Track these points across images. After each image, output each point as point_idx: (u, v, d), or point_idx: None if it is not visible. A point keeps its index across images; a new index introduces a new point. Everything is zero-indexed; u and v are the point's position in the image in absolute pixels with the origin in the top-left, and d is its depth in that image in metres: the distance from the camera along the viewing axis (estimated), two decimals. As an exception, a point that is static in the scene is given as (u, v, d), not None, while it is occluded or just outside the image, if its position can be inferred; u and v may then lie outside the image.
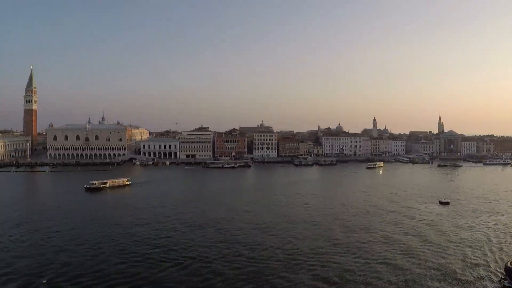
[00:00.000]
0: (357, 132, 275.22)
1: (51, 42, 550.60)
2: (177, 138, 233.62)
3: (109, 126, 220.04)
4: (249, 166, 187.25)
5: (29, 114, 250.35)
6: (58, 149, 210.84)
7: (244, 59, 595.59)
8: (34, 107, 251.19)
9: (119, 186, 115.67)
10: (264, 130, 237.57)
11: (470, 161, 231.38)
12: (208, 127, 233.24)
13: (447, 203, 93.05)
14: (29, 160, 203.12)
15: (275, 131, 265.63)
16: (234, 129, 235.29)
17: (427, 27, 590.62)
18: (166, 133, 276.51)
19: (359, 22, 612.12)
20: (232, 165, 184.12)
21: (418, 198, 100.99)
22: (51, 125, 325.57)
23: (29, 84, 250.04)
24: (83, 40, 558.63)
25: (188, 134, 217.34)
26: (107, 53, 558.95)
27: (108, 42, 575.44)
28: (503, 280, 45.36)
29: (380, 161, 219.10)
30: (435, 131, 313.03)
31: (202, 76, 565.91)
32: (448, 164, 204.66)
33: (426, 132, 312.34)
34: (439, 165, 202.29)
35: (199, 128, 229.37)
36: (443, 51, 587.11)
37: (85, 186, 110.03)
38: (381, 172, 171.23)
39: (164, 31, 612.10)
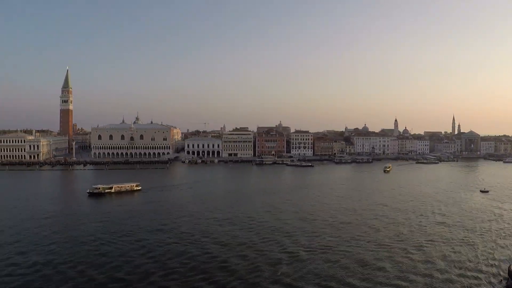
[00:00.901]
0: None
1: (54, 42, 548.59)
2: (211, 136, 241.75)
3: (154, 126, 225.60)
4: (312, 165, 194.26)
5: (65, 114, 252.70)
6: (102, 148, 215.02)
7: (253, 59, 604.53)
8: (70, 107, 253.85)
9: (127, 192, 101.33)
10: (299, 130, 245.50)
11: (490, 159, 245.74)
12: (247, 127, 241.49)
13: (487, 192, 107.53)
14: (74, 159, 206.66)
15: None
16: (271, 129, 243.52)
17: (429, 26, 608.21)
18: (197, 133, 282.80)
19: (358, 23, 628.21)
20: (302, 164, 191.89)
21: (461, 188, 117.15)
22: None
23: (65, 85, 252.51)
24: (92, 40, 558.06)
25: (230, 134, 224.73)
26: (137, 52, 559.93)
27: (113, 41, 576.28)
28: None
29: (410, 159, 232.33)
30: (449, 130, 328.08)
31: (211, 77, 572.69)
32: (425, 161, 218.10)
33: (441, 132, 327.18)
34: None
35: (240, 128, 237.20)
36: (446, 52, 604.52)
37: (88, 191, 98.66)
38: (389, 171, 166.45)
39: (165, 29, 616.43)
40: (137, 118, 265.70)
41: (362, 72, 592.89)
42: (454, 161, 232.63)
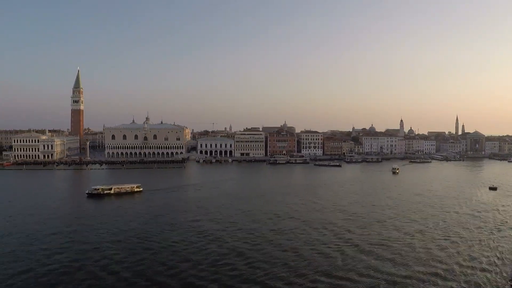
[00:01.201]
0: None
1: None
2: (220, 136, 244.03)
3: (167, 126, 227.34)
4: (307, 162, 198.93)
5: (76, 114, 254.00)
6: (116, 148, 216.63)
7: (255, 59, 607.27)
8: (81, 107, 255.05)
9: (127, 193, 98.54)
10: (308, 130, 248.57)
11: (495, 159, 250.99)
12: (259, 127, 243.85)
13: (495, 189, 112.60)
14: (88, 158, 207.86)
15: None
16: (281, 129, 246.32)
17: (430, 26, 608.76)
18: (206, 133, 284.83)
19: (359, 23, 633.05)
20: (331, 163, 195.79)
21: (470, 185, 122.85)
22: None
23: (76, 85, 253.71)
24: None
25: (242, 134, 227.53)
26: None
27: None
28: None
29: (417, 158, 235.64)
30: (453, 131, 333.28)
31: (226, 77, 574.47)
32: (418, 161, 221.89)
33: (444, 132, 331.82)
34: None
35: (251, 128, 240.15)
36: (447, 52, 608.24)
37: (87, 192, 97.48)
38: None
39: (165, 29, 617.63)
40: (147, 118, 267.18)
41: (363, 72, 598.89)
42: (461, 160, 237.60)
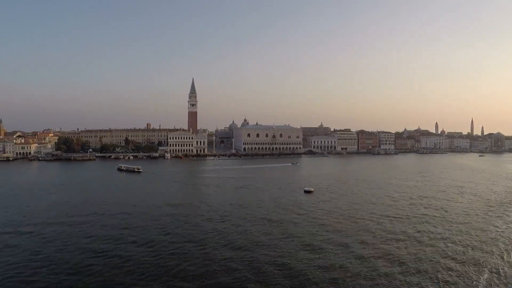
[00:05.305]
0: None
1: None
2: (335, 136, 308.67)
3: (289, 127, 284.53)
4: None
5: (192, 116, 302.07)
6: (250, 144, 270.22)
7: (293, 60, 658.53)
8: (196, 110, 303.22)
9: (130, 171, 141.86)
10: (383, 131, 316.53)
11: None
12: (350, 128, 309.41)
13: None
14: (234, 151, 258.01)
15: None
16: (362, 130, 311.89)
17: (430, 27, 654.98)
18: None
19: (354, 26, 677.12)
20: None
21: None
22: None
23: (192, 91, 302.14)
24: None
25: (341, 133, 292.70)
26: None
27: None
28: None
29: (460, 151, 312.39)
30: (468, 131, 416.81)
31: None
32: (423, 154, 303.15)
33: (461, 132, 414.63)
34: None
35: (345, 129, 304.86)
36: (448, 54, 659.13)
37: (117, 167, 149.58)
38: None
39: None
40: (245, 120, 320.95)
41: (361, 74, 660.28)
42: (490, 153, 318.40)
